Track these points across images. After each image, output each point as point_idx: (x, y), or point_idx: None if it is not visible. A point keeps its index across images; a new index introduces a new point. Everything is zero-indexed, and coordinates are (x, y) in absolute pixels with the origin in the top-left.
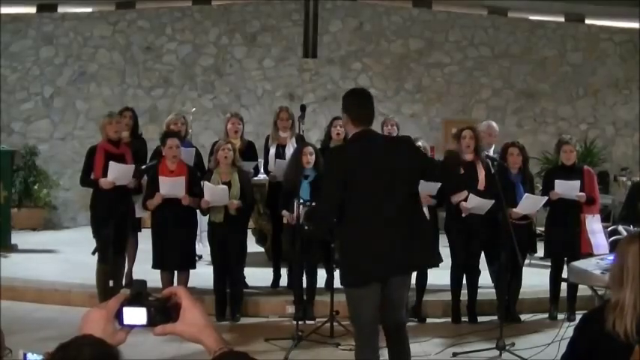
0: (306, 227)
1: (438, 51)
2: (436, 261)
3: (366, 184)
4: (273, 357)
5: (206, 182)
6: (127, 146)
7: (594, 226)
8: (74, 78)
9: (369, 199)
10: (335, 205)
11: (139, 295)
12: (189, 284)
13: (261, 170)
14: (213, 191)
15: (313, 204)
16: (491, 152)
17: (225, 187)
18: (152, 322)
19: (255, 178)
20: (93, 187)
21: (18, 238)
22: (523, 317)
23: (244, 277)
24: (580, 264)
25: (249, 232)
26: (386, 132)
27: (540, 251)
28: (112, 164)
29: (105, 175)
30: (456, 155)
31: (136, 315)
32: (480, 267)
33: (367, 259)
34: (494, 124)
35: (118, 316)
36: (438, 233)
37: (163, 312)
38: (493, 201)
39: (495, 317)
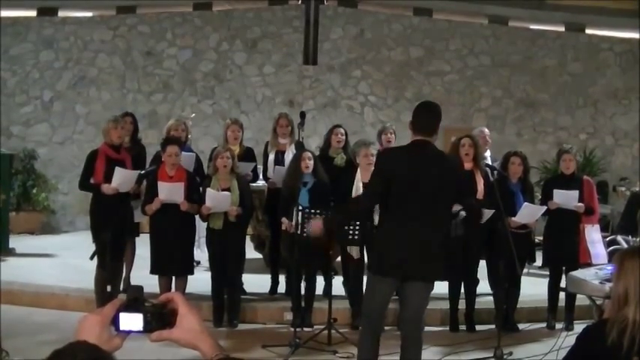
0: (305, 234)
1: (439, 59)
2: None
3: (409, 189)
4: None
5: (208, 189)
6: (127, 152)
7: (593, 236)
8: (74, 82)
9: (409, 203)
10: (373, 202)
11: (135, 300)
12: (187, 290)
13: (260, 177)
14: (216, 197)
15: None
16: (487, 156)
17: (228, 193)
18: (148, 328)
19: (254, 184)
20: (93, 192)
21: (16, 241)
22: (521, 326)
23: (242, 284)
24: (579, 273)
25: (248, 238)
26: (384, 140)
27: (539, 260)
28: (118, 170)
29: (106, 179)
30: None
31: (132, 321)
32: (478, 276)
33: (391, 257)
34: (485, 129)
35: (114, 322)
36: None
37: (160, 318)
38: (493, 210)
39: (493, 326)
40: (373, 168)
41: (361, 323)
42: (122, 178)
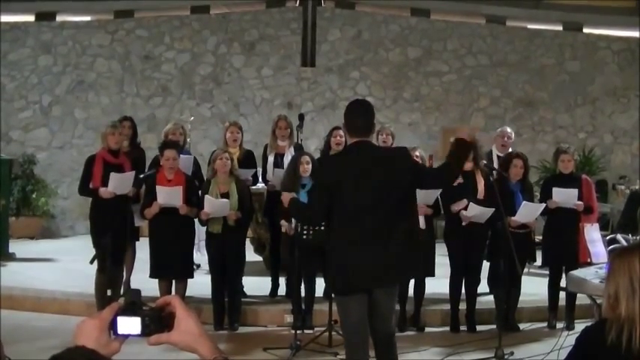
0: (304, 236)
1: (437, 60)
2: (422, 273)
3: (353, 195)
4: None
5: (207, 196)
6: (126, 156)
7: (593, 235)
8: (72, 87)
9: (354, 209)
10: (319, 214)
11: (133, 304)
12: (188, 293)
13: (260, 179)
14: (214, 204)
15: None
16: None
17: (227, 201)
18: (146, 331)
19: (254, 187)
20: (92, 197)
21: (16, 247)
22: (522, 326)
23: (243, 287)
24: (579, 273)
25: (248, 241)
26: (381, 141)
27: (539, 260)
28: (112, 175)
29: (104, 184)
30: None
31: (130, 324)
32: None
33: (350, 270)
34: (508, 129)
35: (112, 325)
36: (434, 243)
37: (158, 321)
38: (493, 209)
39: (494, 326)
40: (316, 178)
41: (345, 339)
42: (117, 183)
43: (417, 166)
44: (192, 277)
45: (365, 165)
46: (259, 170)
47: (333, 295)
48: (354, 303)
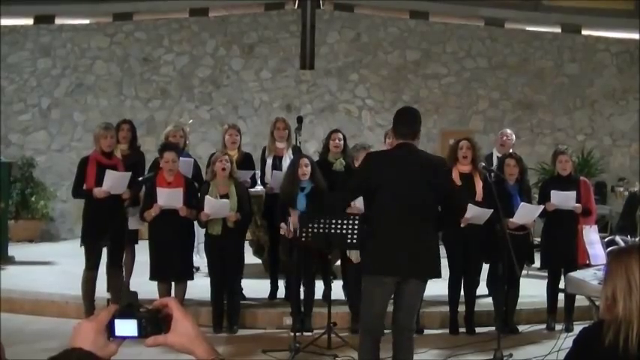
0: (303, 238)
1: (435, 62)
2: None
3: (397, 190)
4: None
5: (207, 196)
6: (119, 158)
7: (592, 237)
8: (71, 89)
9: (397, 203)
10: (350, 198)
11: (130, 306)
12: (187, 296)
13: (258, 182)
14: (214, 204)
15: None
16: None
17: (227, 201)
18: (143, 333)
19: (253, 189)
20: (85, 198)
21: (15, 249)
22: (521, 328)
23: (242, 289)
24: (578, 274)
25: (247, 243)
26: (387, 144)
27: (537, 262)
28: (108, 172)
29: (98, 185)
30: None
31: (127, 327)
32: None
33: (388, 255)
34: (508, 130)
35: (109, 328)
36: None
37: (155, 323)
38: (492, 210)
39: (493, 328)
40: (360, 166)
41: (360, 328)
42: (113, 181)
43: (450, 186)
44: (191, 279)
45: (412, 165)
46: (257, 173)
47: (366, 275)
48: (381, 293)
